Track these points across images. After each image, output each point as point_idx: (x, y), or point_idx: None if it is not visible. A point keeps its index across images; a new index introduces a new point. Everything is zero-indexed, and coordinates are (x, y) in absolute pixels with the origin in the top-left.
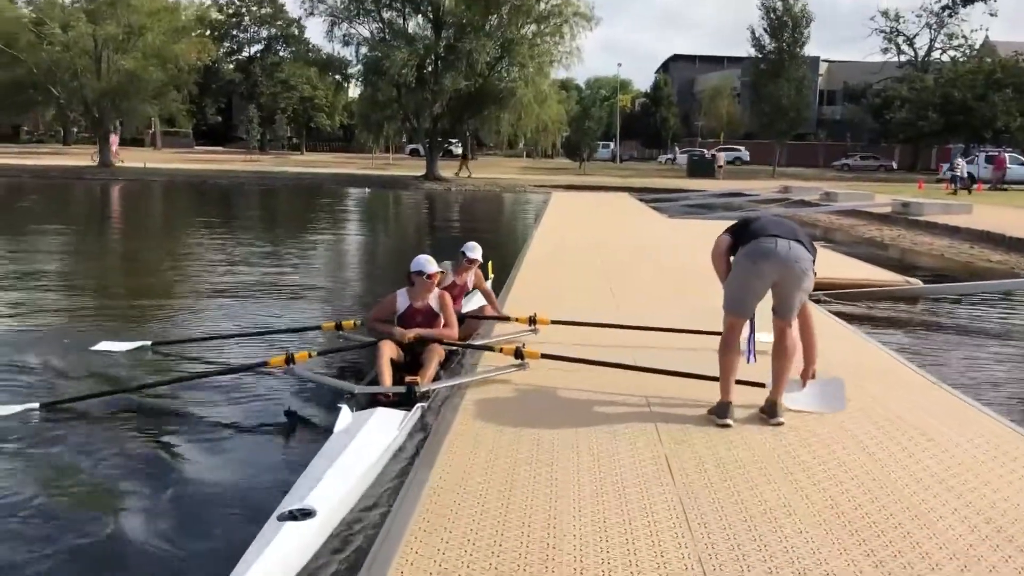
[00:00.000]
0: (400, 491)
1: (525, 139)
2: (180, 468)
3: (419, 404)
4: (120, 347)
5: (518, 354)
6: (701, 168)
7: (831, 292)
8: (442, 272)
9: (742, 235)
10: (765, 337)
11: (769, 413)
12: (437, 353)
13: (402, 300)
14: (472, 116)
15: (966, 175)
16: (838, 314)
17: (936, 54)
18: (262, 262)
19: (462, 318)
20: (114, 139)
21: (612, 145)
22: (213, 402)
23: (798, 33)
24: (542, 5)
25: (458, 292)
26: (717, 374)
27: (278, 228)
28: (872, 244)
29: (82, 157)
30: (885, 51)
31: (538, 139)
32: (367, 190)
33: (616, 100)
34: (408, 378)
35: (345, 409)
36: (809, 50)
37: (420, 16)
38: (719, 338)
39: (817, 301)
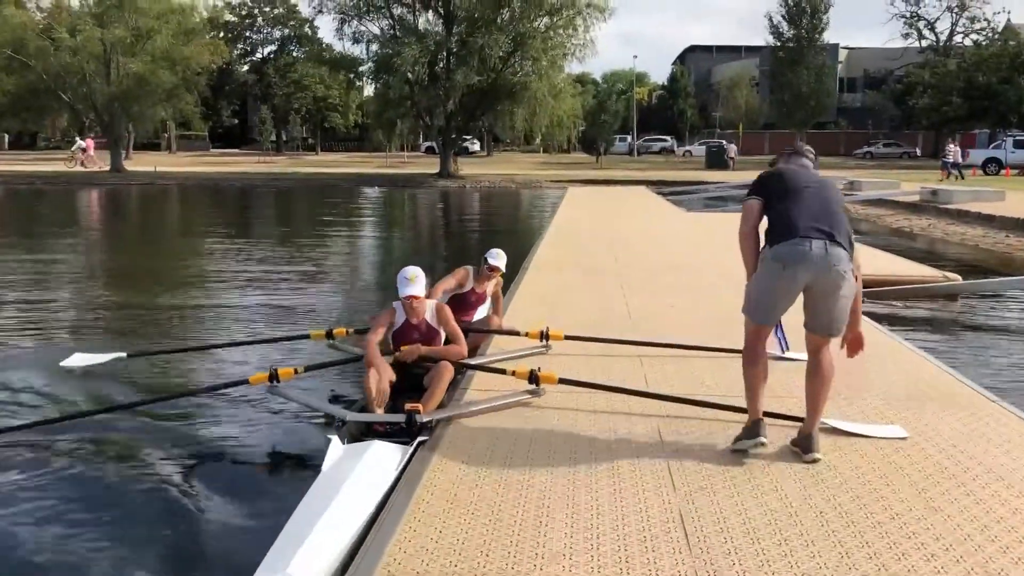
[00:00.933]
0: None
1: (541, 134)
2: (138, 511)
3: (420, 437)
4: (92, 360)
5: (533, 378)
6: (718, 160)
7: (864, 290)
8: (420, 298)
9: (771, 200)
10: (799, 356)
11: (803, 448)
12: (446, 375)
13: (399, 314)
14: (485, 112)
15: (960, 160)
16: (872, 315)
17: (958, 38)
18: (256, 266)
19: (468, 331)
20: (89, 143)
21: (628, 139)
22: (182, 429)
23: (817, 19)
24: None
25: (475, 301)
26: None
27: (280, 230)
28: (901, 235)
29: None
30: (906, 36)
31: (553, 133)
32: (376, 189)
33: (632, 93)
34: (408, 405)
35: (335, 442)
36: (828, 37)
37: (430, 12)
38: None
39: None
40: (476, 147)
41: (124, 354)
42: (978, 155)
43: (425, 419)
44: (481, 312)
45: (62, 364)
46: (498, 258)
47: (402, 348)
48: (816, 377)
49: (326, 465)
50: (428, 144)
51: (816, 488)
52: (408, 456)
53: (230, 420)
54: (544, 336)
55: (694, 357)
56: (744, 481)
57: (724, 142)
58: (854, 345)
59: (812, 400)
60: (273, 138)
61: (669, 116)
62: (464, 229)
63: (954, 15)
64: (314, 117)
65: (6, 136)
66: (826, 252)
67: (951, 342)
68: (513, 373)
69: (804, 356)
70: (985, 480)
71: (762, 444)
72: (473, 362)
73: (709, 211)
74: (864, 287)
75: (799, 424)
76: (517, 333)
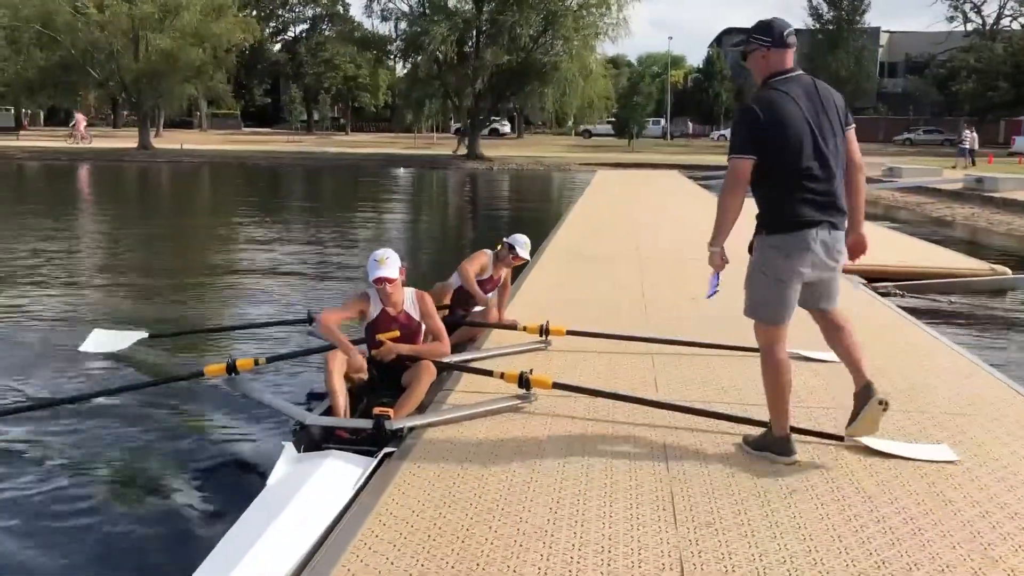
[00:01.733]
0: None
1: (573, 116)
2: (60, 515)
3: (387, 448)
4: (112, 341)
5: (523, 381)
6: None
7: (904, 284)
8: (400, 274)
9: (767, 159)
10: (818, 355)
11: (865, 397)
12: (426, 377)
13: (374, 303)
14: (515, 92)
15: (976, 147)
16: (912, 311)
17: (1005, 21)
18: (266, 245)
19: (459, 323)
20: (80, 118)
21: (663, 122)
22: (125, 426)
23: (858, 1)
24: None
25: (489, 289)
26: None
27: (302, 208)
28: (942, 224)
29: (123, 139)
30: (951, 20)
31: (584, 115)
32: (403, 170)
33: (667, 76)
34: (377, 409)
35: (288, 449)
36: (869, 20)
37: None
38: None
39: (886, 294)
40: (507, 128)
41: (146, 334)
42: None
43: (395, 426)
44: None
45: (81, 348)
46: (524, 247)
47: (380, 346)
48: (841, 336)
49: (274, 476)
50: (457, 126)
51: (849, 528)
52: (369, 470)
53: (179, 416)
54: (544, 331)
55: (713, 356)
56: (760, 518)
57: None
58: (856, 249)
59: (852, 356)
60: (304, 118)
61: (704, 100)
62: (486, 212)
63: None
64: (344, 97)
65: (41, 113)
66: (832, 242)
67: (1000, 343)
68: (502, 375)
69: (823, 356)
70: None
71: (795, 463)
72: (457, 360)
73: None
74: (904, 279)
75: (831, 441)
76: (515, 327)
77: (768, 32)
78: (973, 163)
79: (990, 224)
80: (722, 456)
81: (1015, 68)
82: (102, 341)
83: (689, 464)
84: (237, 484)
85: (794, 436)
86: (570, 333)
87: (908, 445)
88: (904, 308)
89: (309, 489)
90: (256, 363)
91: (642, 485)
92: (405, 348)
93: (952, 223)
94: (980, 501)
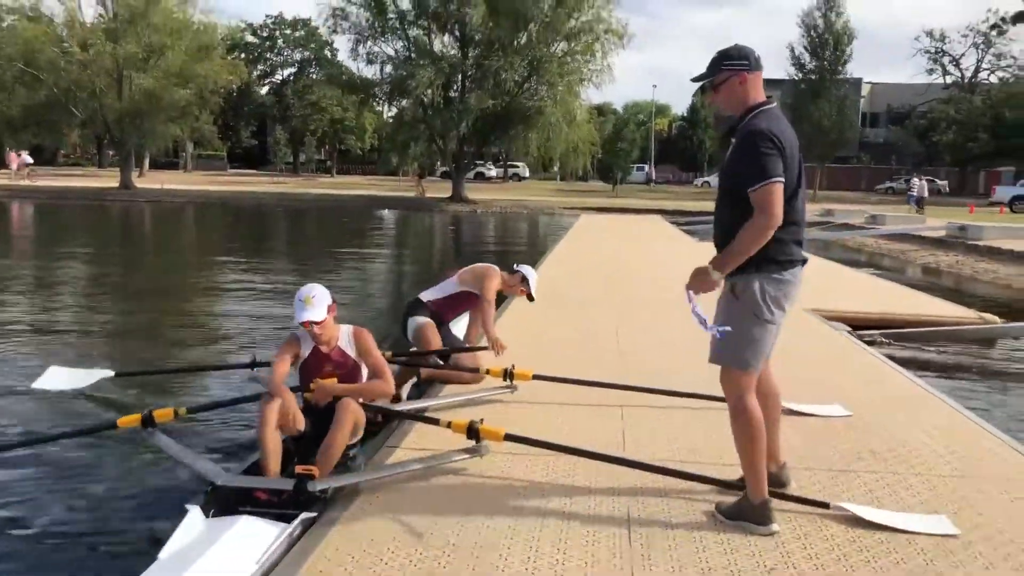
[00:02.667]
0: None
1: (559, 161)
2: None
3: (304, 513)
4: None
5: (472, 432)
6: None
7: (890, 332)
8: (330, 313)
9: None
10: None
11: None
12: (347, 417)
13: (305, 340)
14: (499, 137)
15: (926, 195)
16: (900, 360)
17: (984, 75)
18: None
19: (411, 364)
20: (14, 157)
21: (646, 168)
22: (15, 482)
23: (840, 51)
24: (572, 22)
25: (476, 307)
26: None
27: (277, 250)
28: (928, 271)
29: (107, 179)
30: (930, 72)
31: (568, 160)
32: (387, 212)
33: (652, 123)
34: (299, 468)
35: (194, 514)
36: (851, 70)
37: (446, 34)
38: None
39: (872, 342)
40: (492, 173)
41: (111, 372)
42: (1005, 192)
43: (319, 486)
44: (454, 326)
45: (34, 385)
46: (533, 279)
47: (311, 386)
48: (776, 409)
49: (171, 545)
50: (444, 169)
51: None
52: (282, 538)
53: (80, 474)
54: (508, 375)
55: (685, 408)
56: None
57: (916, 179)
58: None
59: (772, 431)
60: (289, 159)
61: (688, 147)
62: (470, 251)
63: (980, 52)
64: (330, 139)
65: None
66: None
67: (994, 395)
68: (449, 425)
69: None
70: None
71: (773, 533)
72: (407, 408)
73: None
74: (890, 327)
75: (815, 509)
76: (476, 370)
77: (744, 55)
78: (921, 210)
79: (975, 272)
80: (692, 525)
81: (994, 120)
82: (60, 379)
83: (655, 533)
84: (131, 553)
85: (774, 502)
86: (536, 377)
87: (902, 515)
88: (890, 357)
89: (208, 560)
90: (176, 414)
91: (599, 560)
92: (341, 387)
93: (937, 271)
94: (973, 572)
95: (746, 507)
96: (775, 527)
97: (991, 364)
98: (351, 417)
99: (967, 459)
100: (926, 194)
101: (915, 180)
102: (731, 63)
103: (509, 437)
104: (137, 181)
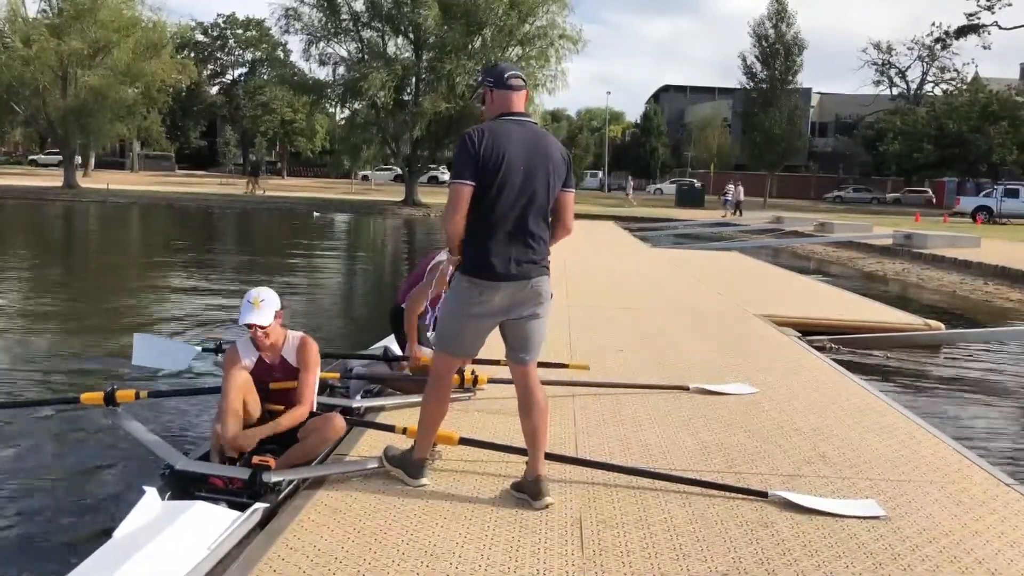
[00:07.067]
0: None
1: None
2: None
3: (259, 503)
4: None
5: None
6: (691, 198)
7: (839, 338)
8: (268, 328)
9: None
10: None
11: (532, 493)
12: (332, 437)
13: (246, 352)
14: (453, 140)
15: (741, 199)
16: (847, 365)
17: (928, 87)
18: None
19: (367, 376)
20: None
21: (600, 174)
22: None
23: (791, 61)
24: (526, 27)
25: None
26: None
27: (222, 252)
28: (874, 279)
29: (50, 178)
30: (877, 83)
31: None
32: (321, 214)
33: (606, 130)
34: (256, 459)
35: (150, 495)
36: (801, 81)
37: (400, 37)
38: (693, 396)
39: (822, 348)
40: (446, 177)
41: None
42: (969, 203)
43: (274, 479)
44: None
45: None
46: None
47: (270, 394)
48: (535, 411)
49: (126, 525)
50: (397, 172)
51: None
52: (235, 526)
53: (42, 446)
54: (470, 381)
55: (636, 394)
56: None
57: (732, 184)
58: None
59: (536, 437)
60: (240, 160)
61: (641, 154)
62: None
63: (924, 64)
64: (281, 140)
65: None
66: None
67: (937, 400)
68: (404, 431)
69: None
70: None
71: (423, 486)
72: (356, 405)
73: (676, 248)
74: (841, 334)
75: (755, 498)
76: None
77: (491, 73)
78: (738, 213)
79: (921, 280)
80: (644, 527)
81: (938, 131)
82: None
83: (606, 539)
84: (85, 532)
85: (716, 492)
86: (492, 382)
87: (835, 501)
88: (838, 362)
89: (161, 543)
90: (137, 396)
91: (551, 568)
92: (263, 431)
93: (884, 278)
94: (902, 554)
95: (407, 459)
96: (425, 480)
97: (936, 370)
98: (334, 435)
99: (910, 459)
100: (742, 197)
101: (729, 185)
102: (484, 78)
103: (464, 440)
104: (83, 181)
